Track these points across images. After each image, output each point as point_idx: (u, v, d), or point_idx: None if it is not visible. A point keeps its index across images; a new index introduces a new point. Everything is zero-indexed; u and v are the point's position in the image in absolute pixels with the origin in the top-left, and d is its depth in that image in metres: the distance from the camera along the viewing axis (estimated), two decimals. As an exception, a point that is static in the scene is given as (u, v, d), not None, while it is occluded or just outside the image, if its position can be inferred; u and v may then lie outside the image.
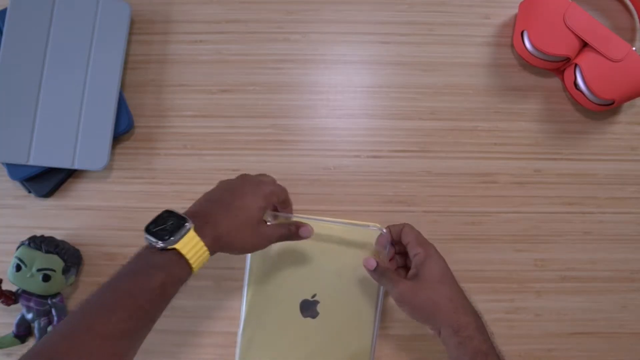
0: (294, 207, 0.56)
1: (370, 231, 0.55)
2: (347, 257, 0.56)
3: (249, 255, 0.56)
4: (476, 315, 0.46)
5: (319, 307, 0.56)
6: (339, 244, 0.56)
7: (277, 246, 0.52)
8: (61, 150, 0.56)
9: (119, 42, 0.58)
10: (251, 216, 0.46)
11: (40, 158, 0.56)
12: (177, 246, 0.40)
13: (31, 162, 0.56)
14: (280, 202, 0.52)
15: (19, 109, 0.56)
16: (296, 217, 0.53)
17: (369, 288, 0.56)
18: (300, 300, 0.56)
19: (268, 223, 0.51)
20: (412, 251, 0.49)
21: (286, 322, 0.56)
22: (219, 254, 0.58)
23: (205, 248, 0.41)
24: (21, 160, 0.56)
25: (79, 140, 0.56)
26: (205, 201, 0.46)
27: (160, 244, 0.40)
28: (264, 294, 0.56)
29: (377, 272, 0.50)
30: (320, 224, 0.55)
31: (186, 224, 0.41)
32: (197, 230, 0.41)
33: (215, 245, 0.43)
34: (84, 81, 0.57)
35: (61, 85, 0.57)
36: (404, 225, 0.51)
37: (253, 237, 0.46)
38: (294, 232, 0.50)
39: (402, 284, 0.48)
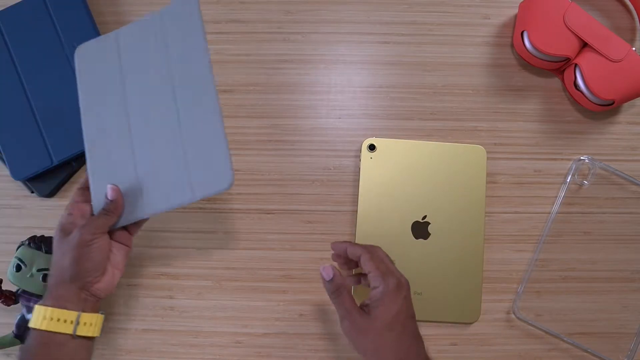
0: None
1: (475, 150, 0.58)
2: (453, 177, 0.57)
3: (360, 180, 0.57)
4: None
5: (430, 228, 0.56)
6: (443, 164, 0.57)
7: (385, 171, 0.57)
8: (176, 186, 0.47)
9: (196, 41, 0.47)
10: (53, 248, 0.46)
11: (157, 204, 0.48)
12: (30, 325, 0.44)
13: (149, 212, 0.48)
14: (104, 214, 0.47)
15: (116, 162, 0.49)
16: (396, 141, 0.58)
17: (477, 207, 0.57)
18: (411, 223, 0.56)
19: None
20: (372, 282, 0.44)
21: (399, 245, 0.56)
22: (218, 254, 0.58)
23: (37, 306, 0.44)
24: (140, 215, 0.48)
25: (190, 166, 0.47)
26: None
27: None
28: (374, 218, 0.57)
29: (333, 284, 0.45)
30: (424, 147, 0.58)
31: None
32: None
33: (48, 297, 0.44)
34: (173, 101, 0.48)
35: (151, 115, 0.49)
36: (363, 252, 0.46)
37: (62, 255, 0.45)
38: (108, 206, 0.47)
39: (353, 315, 0.43)
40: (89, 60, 0.52)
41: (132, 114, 0.49)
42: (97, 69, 0.51)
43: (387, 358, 0.42)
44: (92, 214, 0.48)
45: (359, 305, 0.45)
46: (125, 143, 0.49)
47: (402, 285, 0.44)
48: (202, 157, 0.46)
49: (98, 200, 0.49)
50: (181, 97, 0.48)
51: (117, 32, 0.51)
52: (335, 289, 0.45)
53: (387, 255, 0.46)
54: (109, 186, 0.47)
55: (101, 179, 0.49)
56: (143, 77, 0.49)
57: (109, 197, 0.47)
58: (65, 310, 0.43)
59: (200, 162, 0.46)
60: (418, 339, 0.44)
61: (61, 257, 0.45)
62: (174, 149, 0.47)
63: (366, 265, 0.45)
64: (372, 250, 0.46)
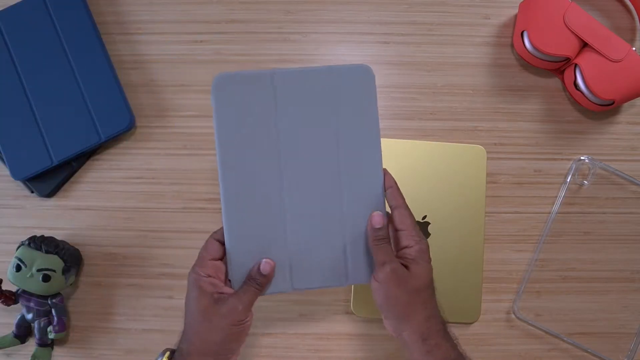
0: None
1: (475, 150, 0.58)
2: (453, 177, 0.57)
3: None
4: (444, 322, 0.44)
5: (429, 228, 0.56)
6: (443, 164, 0.57)
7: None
8: (331, 270, 0.45)
9: (367, 117, 0.44)
10: (193, 311, 0.42)
11: (306, 281, 0.45)
12: None
13: (297, 288, 0.45)
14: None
15: (262, 226, 0.44)
16: (396, 141, 0.57)
17: (477, 207, 0.57)
18: None
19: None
20: (404, 240, 0.44)
21: None
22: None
23: None
24: (284, 288, 0.45)
25: (349, 257, 0.44)
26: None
27: None
28: None
29: (382, 231, 0.43)
30: (424, 147, 0.58)
31: (160, 355, 0.43)
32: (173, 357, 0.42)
33: None
34: (337, 175, 0.44)
35: (310, 183, 0.44)
36: (403, 204, 0.44)
37: (211, 328, 0.41)
38: (261, 280, 0.43)
39: (395, 263, 0.42)
40: (232, 95, 0.43)
41: (287, 175, 0.44)
42: (244, 109, 0.43)
43: (417, 313, 0.43)
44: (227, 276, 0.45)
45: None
46: (276, 207, 0.44)
47: (429, 248, 0.45)
48: (363, 251, 0.44)
49: (237, 265, 0.43)
50: (346, 175, 0.44)
51: (273, 73, 0.43)
52: (383, 236, 0.43)
53: None
54: (265, 260, 0.43)
55: (242, 242, 0.44)
56: (303, 136, 0.44)
57: (263, 272, 0.43)
58: None
59: (360, 257, 0.44)
60: (435, 295, 0.45)
61: (209, 329, 0.41)
62: (334, 232, 0.44)
63: (404, 221, 0.44)
64: (407, 207, 0.44)
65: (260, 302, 0.57)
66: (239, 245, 0.44)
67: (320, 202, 0.44)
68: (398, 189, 0.45)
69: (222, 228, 0.44)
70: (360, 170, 0.44)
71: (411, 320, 0.43)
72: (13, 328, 0.55)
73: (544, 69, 0.60)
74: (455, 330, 0.57)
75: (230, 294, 0.43)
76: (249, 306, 0.42)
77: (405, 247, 0.44)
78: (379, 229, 0.43)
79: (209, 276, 0.43)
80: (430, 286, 0.44)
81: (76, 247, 0.57)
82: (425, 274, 0.43)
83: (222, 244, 0.44)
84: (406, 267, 0.43)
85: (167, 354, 0.42)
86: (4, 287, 0.54)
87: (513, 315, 0.57)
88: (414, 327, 0.42)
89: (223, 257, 0.44)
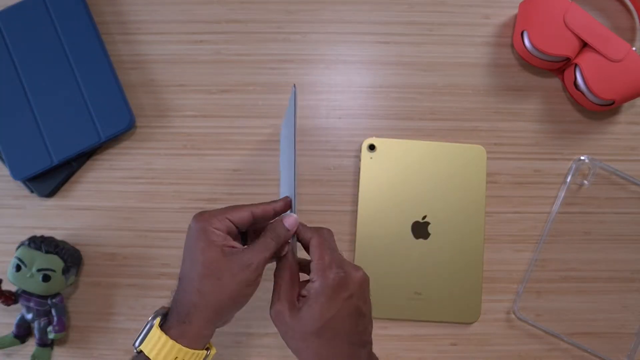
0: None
1: (475, 150, 0.58)
2: (453, 177, 0.57)
3: (360, 180, 0.57)
4: None
5: (429, 228, 0.57)
6: (443, 164, 0.58)
7: (385, 171, 0.57)
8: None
9: (289, 129, 0.46)
10: (197, 265, 0.37)
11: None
12: (141, 348, 0.36)
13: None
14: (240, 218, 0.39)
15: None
16: (396, 141, 0.57)
17: (477, 207, 0.57)
18: (411, 223, 0.57)
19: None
20: (311, 274, 0.38)
21: (399, 245, 0.56)
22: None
23: (170, 341, 0.35)
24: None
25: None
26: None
27: (134, 349, 0.37)
28: (374, 218, 0.57)
29: (285, 254, 0.39)
30: (424, 147, 0.58)
31: (151, 320, 0.37)
32: (165, 323, 0.37)
33: (185, 331, 0.36)
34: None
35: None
36: (314, 235, 0.39)
37: (219, 286, 0.36)
38: (285, 235, 0.39)
39: (282, 305, 0.37)
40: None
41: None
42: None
43: None
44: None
45: (298, 292, 0.38)
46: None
47: (346, 283, 0.36)
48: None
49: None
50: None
51: None
52: (283, 264, 0.39)
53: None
54: (294, 216, 0.40)
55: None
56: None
57: (290, 228, 0.39)
58: (199, 351, 0.36)
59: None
60: (357, 344, 0.37)
61: (216, 287, 0.36)
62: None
63: (313, 252, 0.38)
64: (323, 235, 0.39)
65: (260, 302, 0.57)
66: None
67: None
68: (303, 225, 0.40)
69: (266, 208, 0.41)
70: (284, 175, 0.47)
71: None
72: (13, 328, 0.55)
73: (544, 69, 0.60)
74: (455, 330, 0.58)
75: (244, 249, 0.37)
76: (263, 265, 0.37)
77: (311, 280, 0.38)
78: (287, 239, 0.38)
79: (218, 229, 0.37)
80: (325, 333, 0.35)
81: (76, 247, 0.57)
82: (312, 318, 0.35)
83: (254, 222, 0.40)
84: (301, 307, 0.37)
85: (158, 319, 0.37)
86: (4, 287, 0.54)
87: (513, 315, 0.57)
88: None
89: (239, 232, 0.40)
